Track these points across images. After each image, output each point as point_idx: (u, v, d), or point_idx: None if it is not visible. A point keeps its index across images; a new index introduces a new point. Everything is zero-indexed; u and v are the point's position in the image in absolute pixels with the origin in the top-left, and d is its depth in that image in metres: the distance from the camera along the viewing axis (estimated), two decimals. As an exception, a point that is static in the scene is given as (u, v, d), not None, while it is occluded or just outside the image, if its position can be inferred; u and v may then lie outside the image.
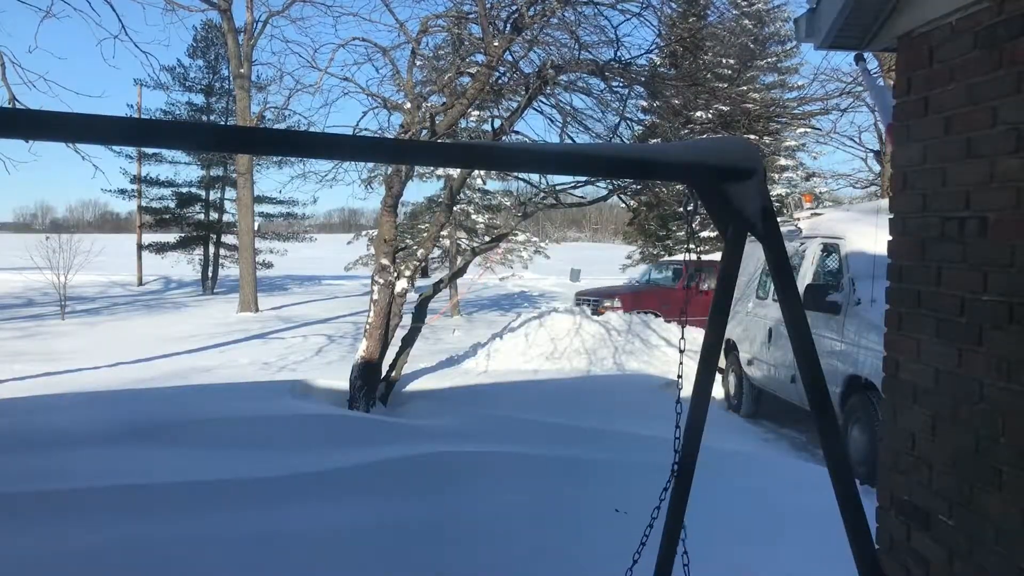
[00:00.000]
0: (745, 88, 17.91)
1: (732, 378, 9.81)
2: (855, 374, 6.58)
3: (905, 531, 2.82)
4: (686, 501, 2.39)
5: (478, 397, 9.63)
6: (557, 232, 75.86)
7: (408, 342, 9.84)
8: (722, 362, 9.78)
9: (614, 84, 9.73)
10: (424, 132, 8.89)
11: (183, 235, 31.95)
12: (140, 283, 31.70)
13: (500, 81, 9.69)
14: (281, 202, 31.60)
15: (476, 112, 10.54)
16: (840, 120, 26.86)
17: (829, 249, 7.82)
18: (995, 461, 2.36)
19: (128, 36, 8.75)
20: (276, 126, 11.86)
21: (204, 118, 30.84)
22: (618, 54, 9.13)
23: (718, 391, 9.97)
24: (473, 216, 26.63)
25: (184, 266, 32.09)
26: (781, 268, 2.12)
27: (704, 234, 24.42)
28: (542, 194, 11.87)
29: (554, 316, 12.17)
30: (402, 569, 3.97)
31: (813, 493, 4.78)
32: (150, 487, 4.85)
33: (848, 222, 7.87)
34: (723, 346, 9.10)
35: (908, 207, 2.85)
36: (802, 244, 8.40)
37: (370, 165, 13.13)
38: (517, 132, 10.48)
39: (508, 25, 8.99)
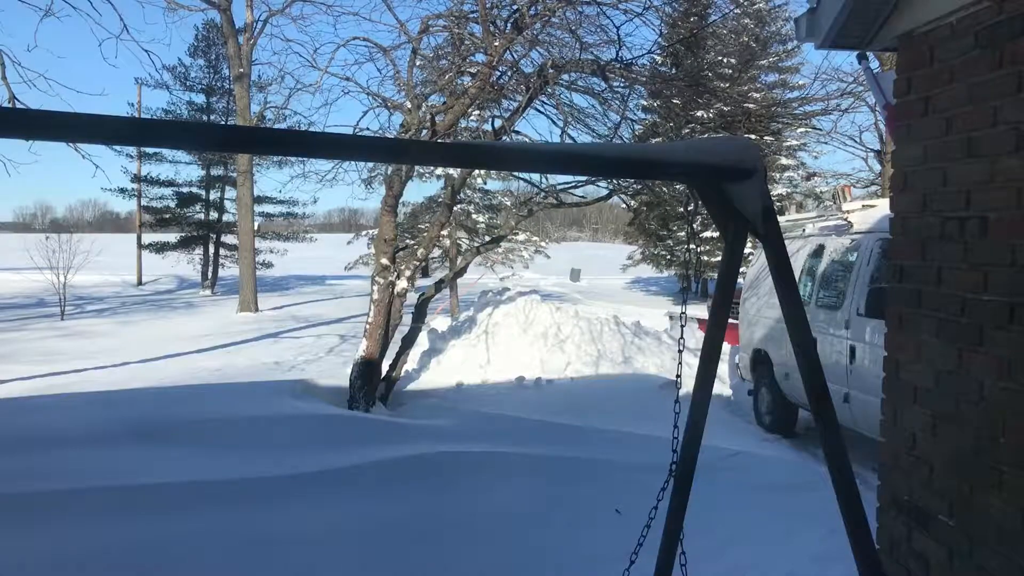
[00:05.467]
0: (746, 88, 17.91)
1: (764, 392, 8.63)
2: None
3: (905, 531, 2.82)
4: (686, 501, 2.39)
5: (478, 397, 9.63)
6: (557, 232, 75.94)
7: (408, 342, 9.84)
8: (749, 373, 9.03)
9: (615, 84, 9.73)
10: (424, 132, 8.89)
11: (183, 235, 31.98)
12: (140, 283, 31.75)
13: (501, 81, 9.69)
14: (281, 202, 31.67)
15: (477, 112, 10.54)
16: (841, 120, 26.89)
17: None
18: (995, 461, 2.36)
19: (130, 35, 8.76)
20: (276, 126, 11.86)
21: (204, 117, 30.87)
22: (619, 54, 9.12)
23: (732, 394, 9.93)
24: (473, 216, 26.66)
25: (184, 266, 32.14)
26: (781, 268, 2.12)
27: (705, 234, 24.46)
28: (543, 193, 11.87)
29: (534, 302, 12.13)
30: (402, 569, 3.97)
31: (813, 493, 4.79)
32: (150, 487, 4.85)
33: None
34: (754, 356, 8.77)
35: (909, 207, 2.85)
36: (853, 240, 7.41)
37: (370, 165, 13.13)
38: (518, 132, 10.48)
39: (509, 24, 8.99)
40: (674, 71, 12.20)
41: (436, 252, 25.36)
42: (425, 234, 11.55)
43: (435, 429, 7.25)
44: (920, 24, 2.75)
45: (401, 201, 10.30)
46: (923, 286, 2.74)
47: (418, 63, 9.68)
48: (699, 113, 12.46)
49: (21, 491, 4.68)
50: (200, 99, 31.67)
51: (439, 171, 21.55)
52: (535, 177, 11.63)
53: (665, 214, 26.61)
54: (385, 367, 9.40)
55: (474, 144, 6.96)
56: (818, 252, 7.95)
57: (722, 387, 10.05)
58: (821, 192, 25.24)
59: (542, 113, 10.48)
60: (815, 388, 2.09)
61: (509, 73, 9.71)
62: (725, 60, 18.44)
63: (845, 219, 7.65)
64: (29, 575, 3.74)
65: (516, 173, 12.21)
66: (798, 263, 7.99)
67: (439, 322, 13.26)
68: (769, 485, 5.39)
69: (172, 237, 32.10)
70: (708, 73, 12.34)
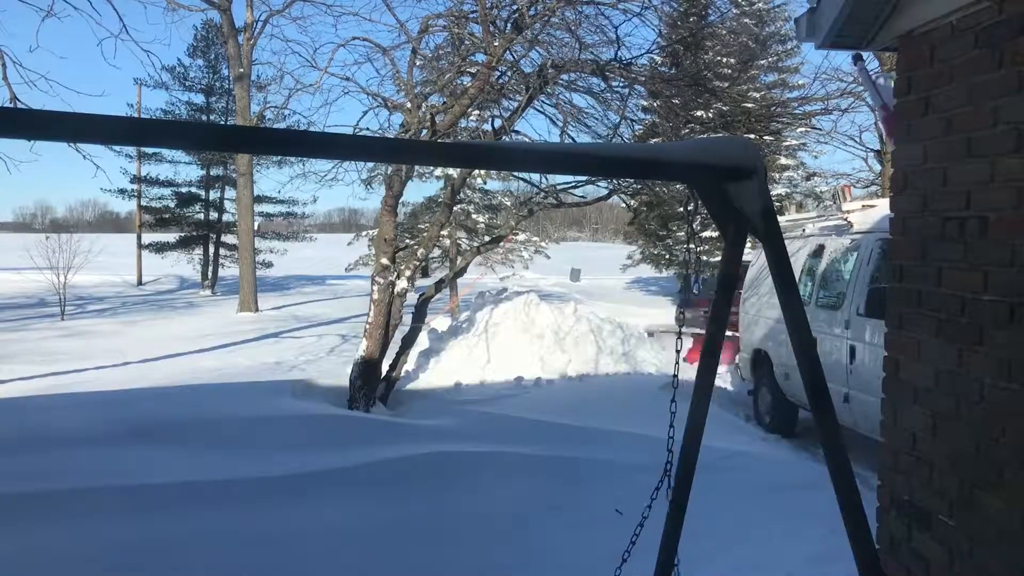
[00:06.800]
0: (746, 88, 17.91)
1: (765, 392, 8.60)
2: None
3: (905, 531, 2.82)
4: (686, 502, 2.39)
5: (478, 397, 9.64)
6: (557, 232, 75.90)
7: (408, 342, 9.84)
8: (749, 373, 9.02)
9: (615, 84, 9.73)
10: (424, 132, 8.89)
11: (183, 235, 31.99)
12: (140, 283, 31.76)
13: (501, 80, 9.69)
14: (281, 202, 31.66)
15: (477, 112, 10.54)
16: (841, 120, 26.87)
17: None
18: (995, 461, 2.36)
19: (129, 35, 8.76)
20: (276, 125, 11.87)
21: (204, 118, 30.87)
22: (619, 54, 9.12)
23: (727, 391, 9.93)
24: (473, 216, 26.66)
25: (184, 266, 32.14)
26: (781, 268, 2.12)
27: (705, 234, 24.43)
28: (543, 193, 11.87)
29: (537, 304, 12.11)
30: (401, 569, 3.98)
31: (813, 492, 4.79)
32: (150, 487, 4.85)
33: None
34: (754, 356, 8.80)
35: (908, 207, 2.85)
36: (853, 240, 7.39)
37: (370, 165, 13.13)
38: (518, 132, 10.47)
39: (509, 24, 8.99)
40: (673, 71, 12.20)
41: (436, 252, 25.37)
42: (425, 234, 11.55)
43: (435, 429, 7.25)
44: (920, 24, 2.75)
45: (401, 201, 10.30)
46: (923, 286, 2.74)
47: (418, 63, 9.69)
48: (699, 113, 12.47)
49: (21, 491, 4.68)
50: (200, 99, 31.69)
51: (439, 171, 21.55)
52: (535, 177, 11.63)
53: (665, 214, 26.56)
54: (385, 367, 9.40)
55: (474, 144, 6.96)
56: (818, 252, 7.95)
57: (721, 386, 10.05)
58: (821, 192, 25.21)
59: (542, 113, 10.49)
60: (815, 388, 2.09)
61: (509, 73, 9.71)
62: (724, 60, 18.43)
63: (845, 219, 7.64)
64: (29, 575, 3.75)
65: (516, 173, 12.21)
66: (798, 263, 8.00)
67: (439, 322, 13.26)
68: (769, 485, 5.40)
69: (172, 237, 32.10)
70: (708, 73, 12.33)
